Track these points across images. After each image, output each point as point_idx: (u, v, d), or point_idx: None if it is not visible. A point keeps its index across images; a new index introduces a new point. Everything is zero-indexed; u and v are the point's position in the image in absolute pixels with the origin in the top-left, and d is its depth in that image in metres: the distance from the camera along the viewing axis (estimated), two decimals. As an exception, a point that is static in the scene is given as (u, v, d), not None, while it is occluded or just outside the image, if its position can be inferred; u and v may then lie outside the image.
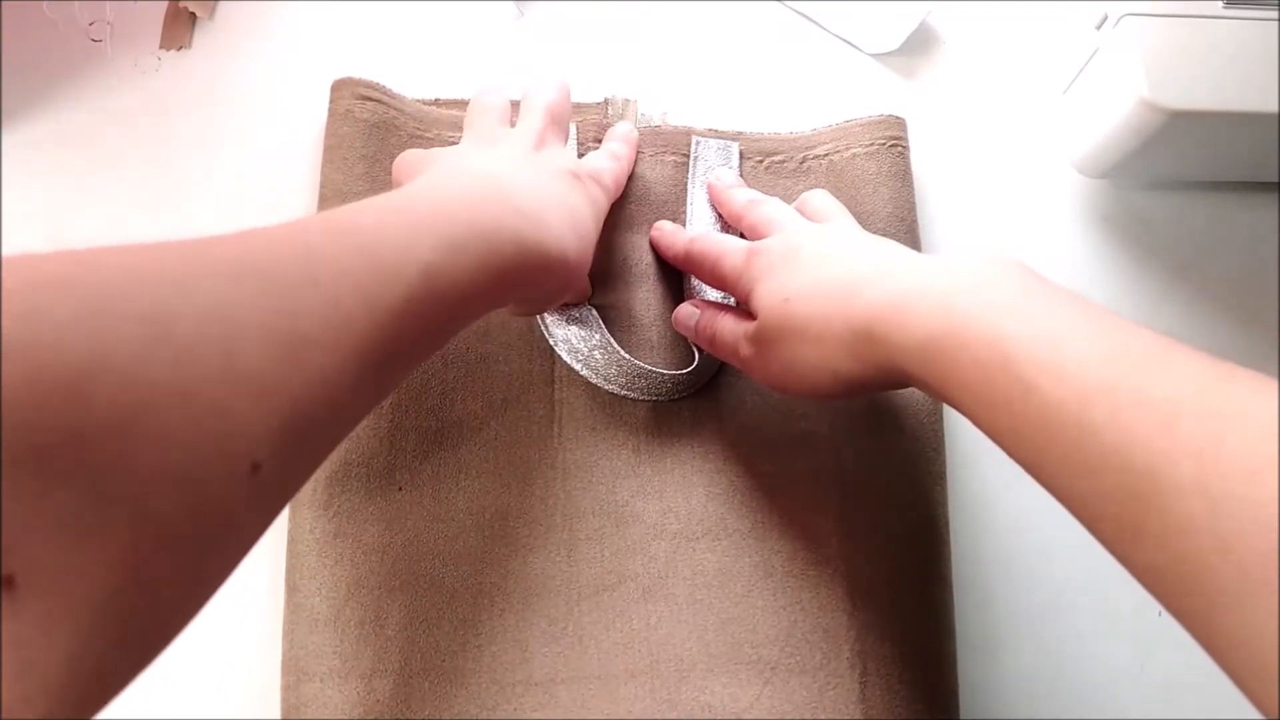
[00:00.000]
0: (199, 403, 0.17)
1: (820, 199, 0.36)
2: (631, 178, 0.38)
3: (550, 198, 0.30)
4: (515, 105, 0.35)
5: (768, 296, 0.30)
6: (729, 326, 0.33)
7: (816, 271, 0.30)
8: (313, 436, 0.20)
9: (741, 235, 0.36)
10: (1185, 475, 0.19)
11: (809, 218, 0.34)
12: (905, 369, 0.26)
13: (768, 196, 0.36)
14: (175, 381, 0.17)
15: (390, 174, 0.37)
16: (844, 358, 0.28)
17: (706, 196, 0.39)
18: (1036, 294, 0.24)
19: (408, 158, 0.32)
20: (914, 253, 0.30)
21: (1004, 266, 0.26)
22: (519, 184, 0.29)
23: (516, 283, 0.27)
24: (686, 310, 0.36)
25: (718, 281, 0.34)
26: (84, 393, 0.15)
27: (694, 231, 0.37)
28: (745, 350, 0.32)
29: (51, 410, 0.15)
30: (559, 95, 0.35)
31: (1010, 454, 0.24)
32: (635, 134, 0.39)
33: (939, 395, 0.26)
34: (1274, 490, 0.18)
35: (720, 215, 0.38)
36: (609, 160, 0.36)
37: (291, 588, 0.33)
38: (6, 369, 0.14)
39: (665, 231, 0.37)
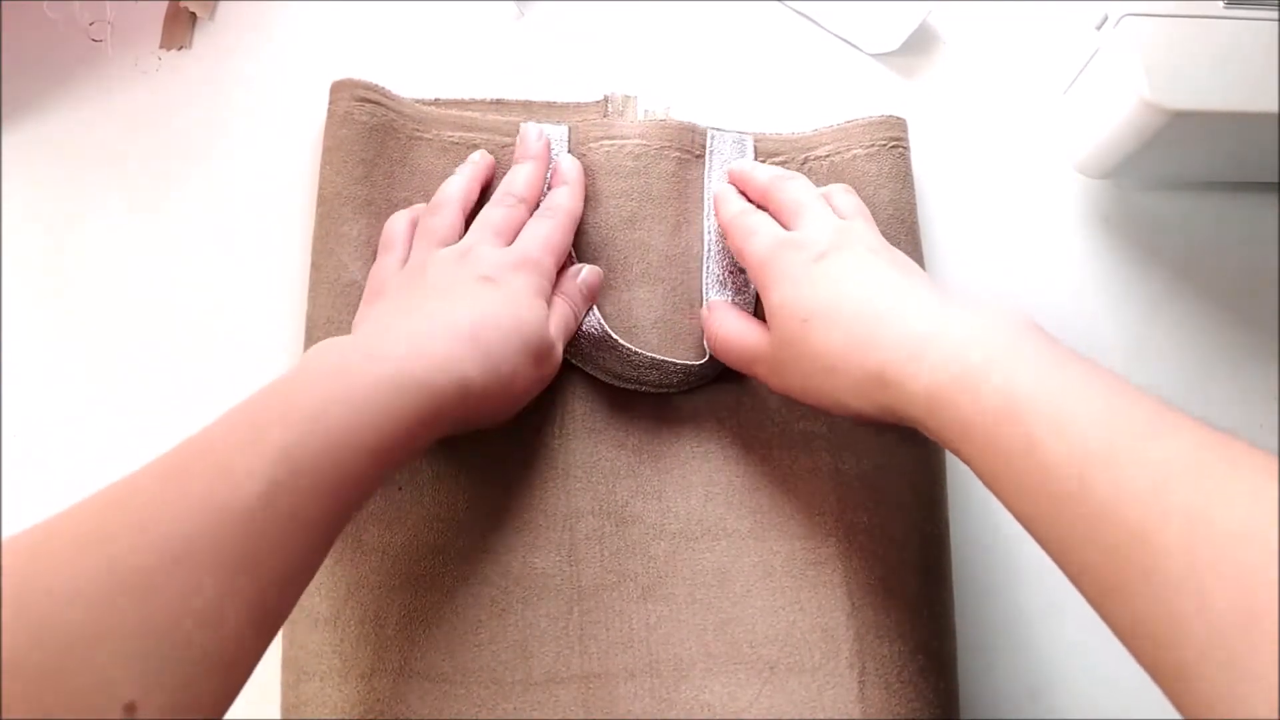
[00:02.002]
0: (33, 673, 0.18)
1: (845, 199, 0.36)
2: (633, 174, 0.38)
3: (447, 328, 0.29)
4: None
5: (785, 309, 0.31)
6: (743, 326, 0.34)
7: (837, 293, 0.30)
8: (192, 656, 0.20)
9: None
10: (1172, 536, 0.19)
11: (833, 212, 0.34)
12: (914, 415, 0.27)
13: (794, 173, 0.36)
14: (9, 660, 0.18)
15: (388, 177, 0.37)
16: (855, 395, 0.28)
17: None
18: (1046, 352, 0.25)
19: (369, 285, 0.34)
20: (930, 290, 0.30)
21: (1016, 323, 0.27)
22: (405, 336, 0.29)
23: (414, 430, 0.27)
24: (702, 313, 0.36)
25: (741, 259, 0.34)
26: None
27: (740, 205, 0.36)
28: (754, 353, 0.33)
29: None
30: (505, 214, 0.35)
31: (1007, 504, 0.25)
32: (577, 169, 0.37)
33: (944, 442, 0.26)
34: (1257, 556, 0.18)
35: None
36: (559, 213, 0.35)
37: (291, 588, 0.33)
38: None
39: (720, 195, 0.37)
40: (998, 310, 0.27)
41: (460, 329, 0.29)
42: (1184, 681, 0.19)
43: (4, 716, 0.17)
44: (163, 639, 0.20)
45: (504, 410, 0.31)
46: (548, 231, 0.34)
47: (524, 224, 0.35)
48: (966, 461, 0.26)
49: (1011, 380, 0.24)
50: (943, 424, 0.26)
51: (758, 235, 0.33)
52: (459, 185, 0.36)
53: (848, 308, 0.29)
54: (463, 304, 0.30)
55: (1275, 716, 0.17)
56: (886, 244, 0.33)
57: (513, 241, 0.34)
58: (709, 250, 0.38)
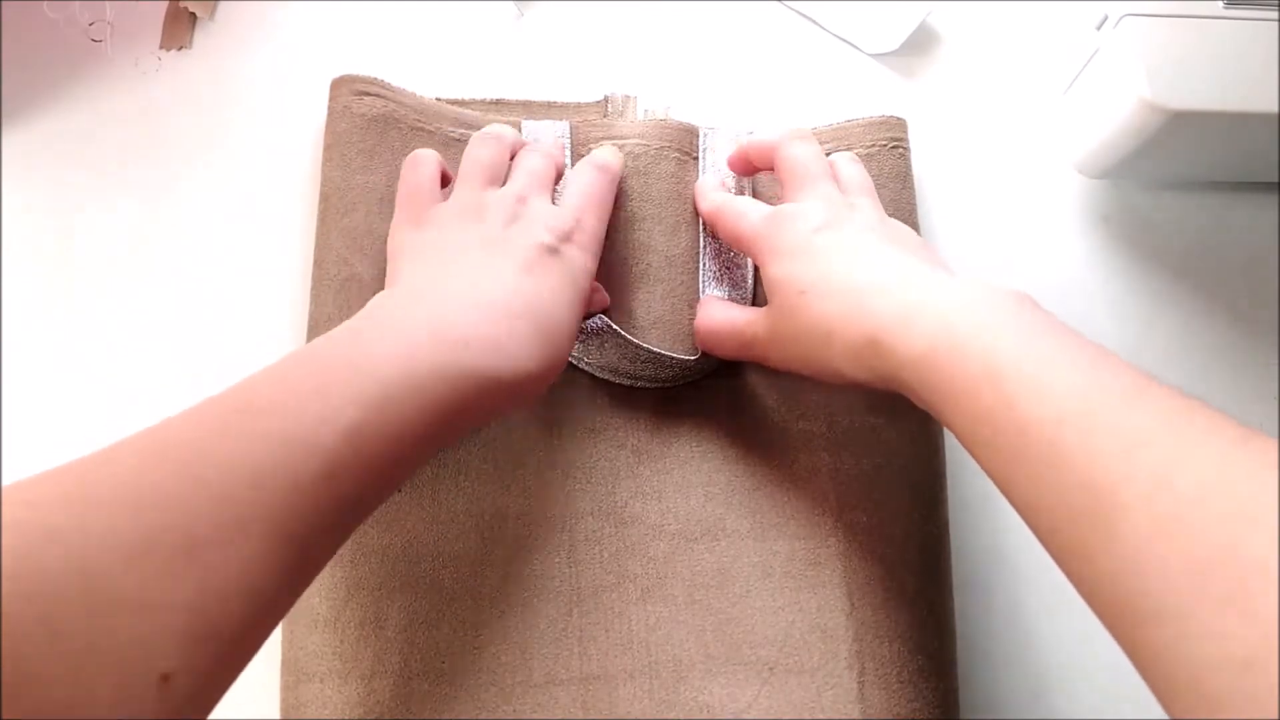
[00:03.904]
0: (74, 640, 0.17)
1: (851, 169, 0.36)
2: (632, 174, 0.38)
3: (511, 310, 0.29)
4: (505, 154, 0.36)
5: (783, 283, 0.31)
6: (731, 313, 0.34)
7: (832, 266, 0.30)
8: (231, 630, 0.20)
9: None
10: (1135, 496, 0.20)
11: (837, 184, 0.35)
12: (904, 380, 0.27)
13: (803, 131, 0.36)
14: (42, 626, 0.17)
15: (390, 166, 0.37)
16: (849, 362, 0.29)
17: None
18: (1034, 323, 0.25)
19: (396, 247, 0.33)
20: (925, 262, 0.30)
21: (1008, 293, 0.27)
22: (476, 311, 0.28)
23: (469, 418, 0.27)
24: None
25: (736, 241, 0.35)
26: None
27: (722, 193, 0.37)
28: (751, 332, 0.33)
29: None
30: (544, 163, 0.35)
31: (984, 466, 0.25)
32: (617, 159, 0.37)
33: (930, 407, 0.27)
34: (1214, 517, 0.18)
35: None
36: (590, 196, 0.34)
37: (291, 588, 0.33)
38: None
39: (700, 185, 0.38)
40: (991, 283, 0.28)
41: (533, 315, 0.29)
42: (1140, 643, 0.19)
43: (37, 677, 0.16)
44: (209, 611, 0.19)
45: (539, 396, 0.32)
46: (598, 191, 0.35)
47: (561, 176, 0.35)
48: (950, 425, 0.26)
49: (995, 345, 0.25)
50: (930, 389, 0.26)
51: (749, 215, 0.34)
52: (504, 127, 0.36)
53: (843, 278, 0.30)
54: (529, 283, 0.30)
55: (1225, 674, 0.17)
56: (886, 218, 0.33)
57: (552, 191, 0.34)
58: (704, 247, 0.38)
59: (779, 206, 0.33)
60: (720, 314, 0.35)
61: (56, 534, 0.18)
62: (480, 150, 0.35)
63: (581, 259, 0.32)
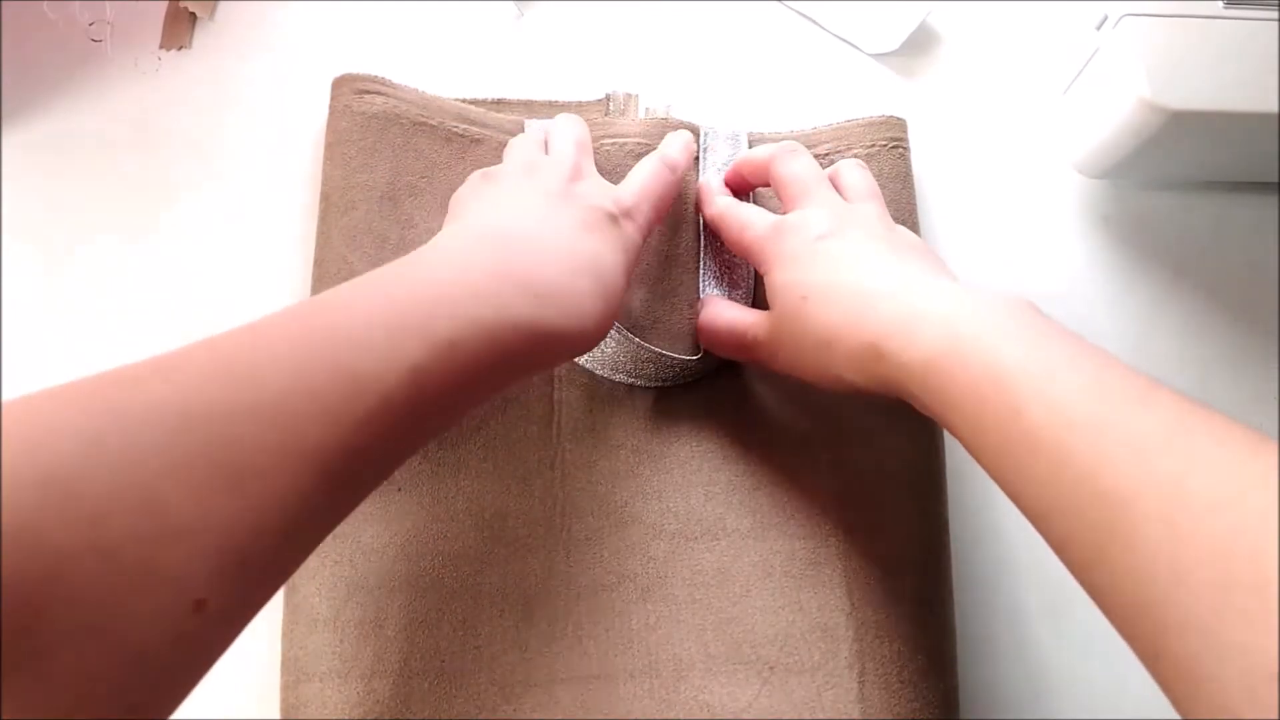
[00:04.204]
0: (119, 558, 0.16)
1: (855, 174, 0.35)
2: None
3: (575, 265, 0.28)
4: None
5: (786, 289, 0.31)
6: (733, 314, 0.34)
7: (835, 273, 0.30)
8: (265, 562, 0.20)
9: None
10: (1151, 505, 0.20)
11: (840, 191, 0.34)
12: (907, 387, 0.27)
13: (794, 145, 0.36)
14: (90, 542, 0.16)
15: (390, 163, 0.37)
16: (851, 368, 0.29)
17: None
18: (1038, 328, 0.25)
19: (454, 199, 0.32)
20: (929, 269, 0.30)
21: (1010, 299, 0.27)
22: (542, 256, 0.28)
23: (525, 368, 0.27)
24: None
25: (740, 249, 0.35)
26: None
27: (727, 198, 0.37)
28: (754, 336, 0.33)
29: None
30: (583, 130, 0.35)
31: (992, 474, 0.25)
32: (693, 146, 0.38)
33: (934, 414, 0.27)
34: (1234, 526, 0.18)
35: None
36: (657, 181, 0.34)
37: (291, 588, 0.33)
38: None
39: (705, 189, 0.38)
40: (993, 290, 0.27)
41: (595, 274, 0.29)
42: (1161, 653, 0.19)
43: (71, 596, 0.16)
44: (246, 540, 0.19)
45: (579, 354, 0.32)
46: (659, 186, 0.34)
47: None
48: (955, 433, 0.26)
49: (999, 350, 0.24)
50: (933, 395, 0.26)
51: (753, 224, 0.34)
52: (577, 131, 0.36)
53: (845, 285, 0.30)
54: (590, 241, 0.30)
55: (1251, 688, 0.17)
56: (891, 225, 0.33)
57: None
58: (704, 247, 0.38)
59: (783, 216, 0.33)
60: (723, 314, 0.35)
61: (104, 444, 0.17)
62: (524, 137, 0.35)
63: (634, 238, 0.32)
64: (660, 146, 0.37)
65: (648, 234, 0.34)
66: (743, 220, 0.34)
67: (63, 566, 0.16)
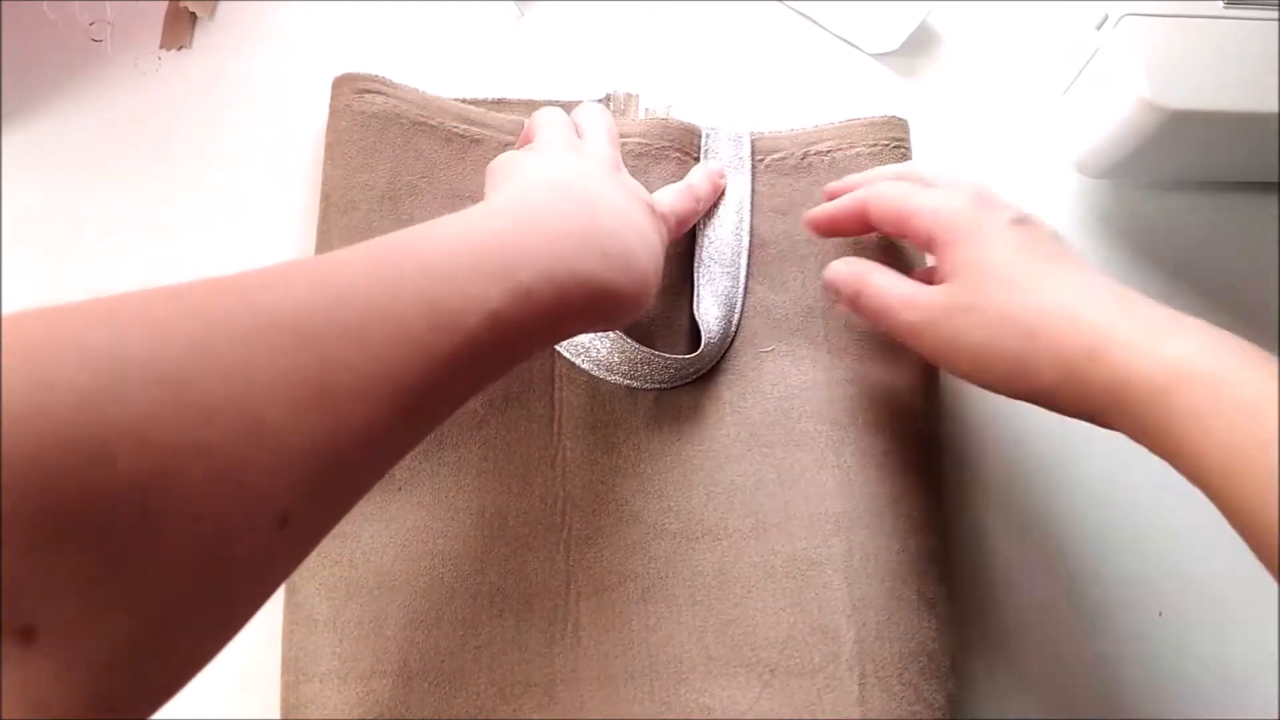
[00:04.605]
0: (220, 462, 0.17)
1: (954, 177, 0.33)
2: (634, 172, 0.37)
3: (636, 233, 0.29)
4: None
5: (981, 267, 0.29)
6: (903, 286, 0.31)
7: (1043, 263, 0.28)
8: (344, 484, 0.20)
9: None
10: None
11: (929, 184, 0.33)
12: (1127, 397, 0.25)
13: (895, 175, 0.34)
14: (195, 443, 0.17)
15: (390, 163, 0.37)
16: (1053, 367, 0.27)
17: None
18: (1271, 362, 0.24)
19: (497, 164, 0.31)
20: (1105, 282, 0.29)
21: (1233, 336, 0.26)
22: (611, 219, 0.28)
23: (583, 324, 0.28)
24: (834, 266, 0.34)
25: (905, 219, 0.32)
26: (101, 458, 0.15)
27: (868, 187, 0.34)
28: (925, 307, 0.30)
29: (69, 476, 0.15)
30: (612, 122, 0.35)
31: (1226, 501, 0.24)
32: (723, 177, 0.38)
33: (1157, 434, 0.25)
34: None
35: (732, 208, 0.38)
36: (685, 201, 0.35)
37: (291, 588, 0.33)
38: (24, 435, 0.14)
39: (842, 184, 0.36)
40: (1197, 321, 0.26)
41: (655, 254, 0.30)
42: None
43: (174, 500, 0.16)
44: (331, 459, 0.19)
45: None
46: (686, 210, 0.35)
47: None
48: (1183, 457, 0.24)
49: (1258, 381, 0.23)
50: (1170, 415, 0.24)
51: (915, 215, 0.31)
52: (608, 122, 0.35)
53: (1058, 277, 0.28)
54: (640, 217, 0.30)
55: None
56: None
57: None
58: (743, 245, 0.38)
59: (942, 206, 0.31)
60: (903, 287, 0.31)
61: (213, 349, 0.17)
62: (551, 112, 0.35)
63: (665, 236, 0.32)
64: (689, 176, 0.37)
65: (667, 244, 0.33)
66: (905, 211, 0.32)
67: (169, 465, 0.16)
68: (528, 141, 0.35)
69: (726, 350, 0.37)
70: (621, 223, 0.29)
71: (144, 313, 0.17)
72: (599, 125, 0.34)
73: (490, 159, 0.38)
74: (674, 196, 0.35)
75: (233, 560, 0.18)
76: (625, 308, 0.28)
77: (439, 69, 0.42)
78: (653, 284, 0.29)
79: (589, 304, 0.26)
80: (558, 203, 0.27)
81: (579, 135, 0.34)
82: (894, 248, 0.38)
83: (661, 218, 0.32)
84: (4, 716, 0.14)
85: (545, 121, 0.34)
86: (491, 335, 0.22)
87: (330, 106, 0.38)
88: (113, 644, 0.16)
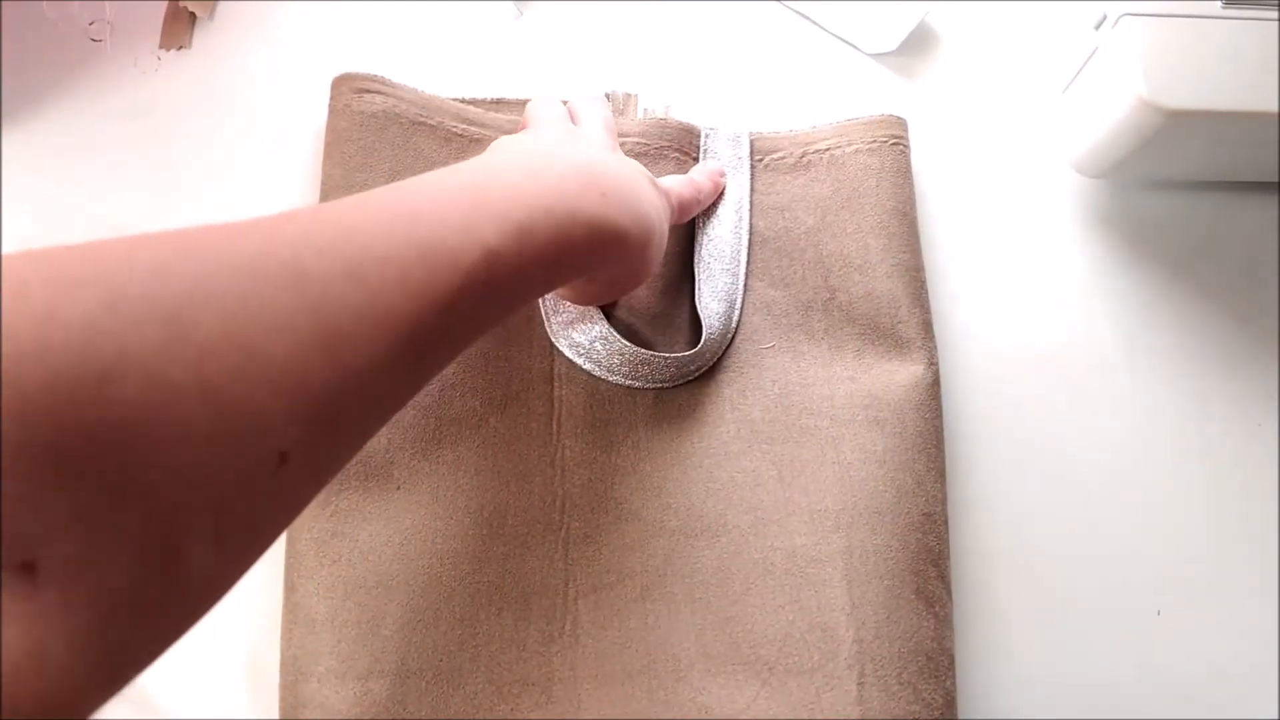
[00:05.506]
0: (221, 400, 0.17)
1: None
2: None
3: (635, 184, 0.30)
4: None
5: None
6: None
7: None
8: (344, 424, 0.21)
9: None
10: None
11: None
12: None
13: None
14: (196, 380, 0.17)
15: (389, 162, 0.37)
16: None
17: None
18: None
19: (493, 147, 0.31)
20: None
21: None
22: (609, 166, 0.29)
23: (587, 264, 0.28)
24: None
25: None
26: (103, 394, 0.15)
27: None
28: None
29: (71, 411, 0.15)
30: (609, 112, 0.36)
31: None
32: (723, 176, 0.38)
33: None
34: None
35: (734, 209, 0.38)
36: (686, 187, 0.35)
37: (290, 587, 0.33)
38: (26, 370, 0.15)
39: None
40: None
41: (658, 209, 0.30)
42: None
43: (175, 433, 0.16)
44: (332, 401, 0.19)
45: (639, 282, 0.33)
46: (686, 198, 0.35)
47: None
48: None
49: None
50: None
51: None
52: (605, 111, 0.36)
53: None
54: (655, 194, 0.31)
55: None
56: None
57: None
58: (742, 243, 0.38)
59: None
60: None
61: (215, 288, 0.18)
62: (547, 101, 0.35)
63: (667, 211, 0.32)
64: (693, 171, 0.37)
65: (669, 222, 0.34)
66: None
67: (170, 399, 0.16)
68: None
69: (727, 347, 0.37)
70: (621, 171, 0.29)
71: (147, 252, 0.18)
72: (595, 114, 0.35)
73: None
74: (675, 181, 0.35)
75: (232, 498, 0.18)
76: (630, 254, 0.28)
77: (438, 69, 0.42)
78: (658, 238, 0.30)
79: (591, 244, 0.26)
80: (554, 153, 0.28)
81: (575, 123, 0.34)
82: None
83: (664, 193, 0.32)
84: (5, 656, 0.14)
85: (541, 108, 0.34)
86: (490, 275, 0.23)
87: (329, 106, 0.38)
88: (113, 583, 0.16)
